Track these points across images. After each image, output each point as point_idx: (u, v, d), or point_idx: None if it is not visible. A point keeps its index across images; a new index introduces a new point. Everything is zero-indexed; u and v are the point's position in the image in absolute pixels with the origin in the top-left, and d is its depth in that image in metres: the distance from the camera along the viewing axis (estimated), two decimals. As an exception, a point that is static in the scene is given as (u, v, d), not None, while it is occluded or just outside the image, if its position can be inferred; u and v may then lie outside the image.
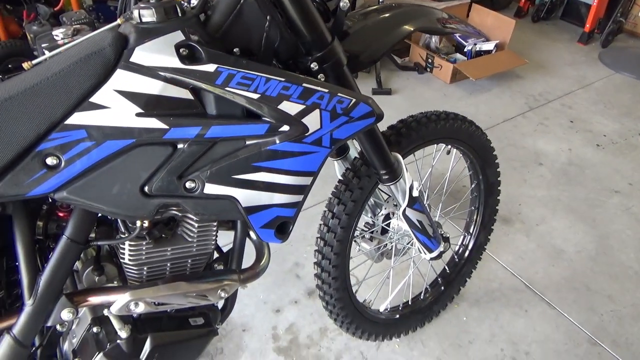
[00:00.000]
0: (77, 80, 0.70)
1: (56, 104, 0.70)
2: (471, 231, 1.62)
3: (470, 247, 1.63)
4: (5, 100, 0.69)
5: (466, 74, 3.07)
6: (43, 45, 2.56)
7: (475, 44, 3.33)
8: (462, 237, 1.65)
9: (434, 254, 1.35)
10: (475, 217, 1.60)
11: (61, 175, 0.71)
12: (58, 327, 0.85)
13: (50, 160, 0.70)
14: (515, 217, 2.12)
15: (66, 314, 0.80)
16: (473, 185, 1.56)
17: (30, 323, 0.78)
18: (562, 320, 1.68)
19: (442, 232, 1.41)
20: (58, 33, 2.57)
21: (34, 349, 0.85)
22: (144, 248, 0.86)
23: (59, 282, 0.79)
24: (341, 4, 0.92)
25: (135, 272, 0.87)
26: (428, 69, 3.29)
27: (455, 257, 1.65)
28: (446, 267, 1.64)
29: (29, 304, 0.77)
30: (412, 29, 1.15)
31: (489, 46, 3.33)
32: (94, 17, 3.12)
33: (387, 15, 1.14)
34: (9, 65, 2.48)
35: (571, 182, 2.36)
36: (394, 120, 1.26)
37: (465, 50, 3.33)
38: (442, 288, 1.62)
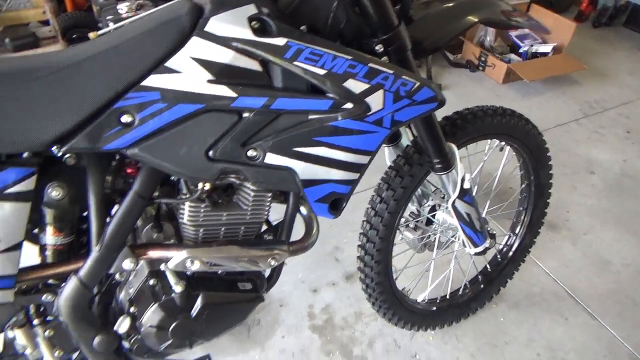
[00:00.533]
0: (155, 45, 0.73)
1: (135, 65, 0.73)
2: (517, 232, 1.59)
3: (514, 247, 1.60)
4: (89, 58, 0.73)
5: (520, 74, 2.99)
6: (108, 17, 2.66)
7: (531, 45, 3.24)
8: (507, 237, 1.62)
9: (479, 249, 1.34)
10: (522, 217, 1.57)
11: (134, 133, 0.75)
12: (117, 276, 0.89)
13: (125, 118, 0.74)
14: (562, 224, 2.07)
15: (127, 264, 0.85)
16: (523, 186, 1.53)
17: (95, 268, 0.83)
18: (603, 332, 1.63)
19: (489, 229, 1.40)
20: (122, 7, 2.66)
21: (93, 295, 0.90)
22: (202, 210, 0.89)
23: (124, 234, 0.84)
24: (410, -12, 0.93)
25: (192, 232, 0.91)
26: (480, 68, 3.23)
27: (498, 256, 1.62)
28: (488, 266, 1.62)
29: (95, 251, 0.82)
30: (476, 20, 1.14)
31: (546, 48, 3.23)
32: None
33: (451, 4, 1.13)
34: (74, 36, 2.60)
35: (624, 194, 2.27)
36: (443, 116, 1.25)
37: (521, 51, 3.24)
38: (482, 286, 1.61)
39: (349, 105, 0.82)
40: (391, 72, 0.84)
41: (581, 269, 1.86)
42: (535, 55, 3.22)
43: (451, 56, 3.31)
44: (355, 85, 0.82)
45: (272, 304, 1.63)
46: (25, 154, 0.73)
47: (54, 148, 0.73)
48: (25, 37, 2.02)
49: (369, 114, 0.84)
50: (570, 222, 2.08)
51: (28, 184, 0.73)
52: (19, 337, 0.88)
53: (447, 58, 3.27)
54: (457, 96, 2.94)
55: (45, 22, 2.26)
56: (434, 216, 1.43)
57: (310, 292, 1.69)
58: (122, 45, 0.74)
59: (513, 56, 3.28)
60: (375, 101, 0.84)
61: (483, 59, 3.19)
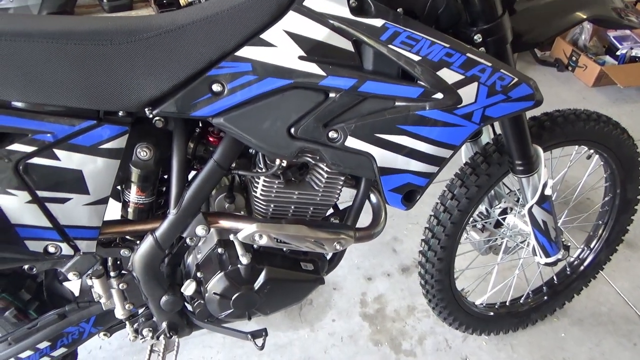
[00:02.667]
0: (252, 16, 0.73)
1: (231, 35, 0.73)
2: (592, 246, 1.50)
3: (587, 262, 1.51)
4: (188, 24, 0.74)
5: (614, 79, 2.78)
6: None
7: (631, 48, 2.99)
8: (580, 250, 1.53)
9: (550, 260, 1.27)
10: (600, 232, 1.47)
11: (223, 102, 0.76)
12: (188, 240, 0.92)
13: (216, 87, 0.75)
14: (641, 244, 1.92)
15: (200, 230, 0.87)
16: (607, 199, 1.43)
17: (170, 230, 0.86)
18: (675, 365, 1.52)
19: (563, 240, 1.32)
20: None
21: (165, 255, 0.94)
22: (275, 186, 0.90)
23: (200, 200, 0.86)
24: (518, -23, 0.87)
25: (263, 206, 0.92)
26: (570, 68, 3.03)
27: (568, 269, 1.54)
28: (555, 277, 1.54)
29: (172, 213, 0.85)
30: (585, 17, 1.05)
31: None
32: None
33: (559, -3, 1.05)
34: (164, 1, 2.68)
35: None
36: None
37: (619, 53, 3.00)
38: (546, 297, 1.53)
39: (439, 96, 0.79)
40: (490, 64, 0.79)
41: (657, 295, 1.73)
42: (634, 59, 2.97)
43: (539, 52, 3.13)
44: (450, 75, 0.78)
45: (325, 286, 1.63)
46: (121, 113, 0.76)
47: (146, 109, 0.75)
48: None
49: (459, 106, 0.80)
50: (650, 243, 1.93)
51: (120, 142, 0.76)
52: (96, 286, 0.93)
53: (534, 54, 3.09)
54: (539, 95, 2.78)
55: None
56: (504, 219, 1.37)
57: (364, 279, 1.68)
58: (222, 13, 0.74)
59: (608, 58, 3.04)
60: (468, 94, 0.80)
61: (574, 58, 2.99)
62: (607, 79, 2.85)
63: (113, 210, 0.88)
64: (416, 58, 0.76)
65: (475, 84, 0.79)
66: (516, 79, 0.81)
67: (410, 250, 1.79)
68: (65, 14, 1.98)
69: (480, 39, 0.87)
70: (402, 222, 1.88)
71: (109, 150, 0.75)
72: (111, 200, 0.82)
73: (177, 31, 0.73)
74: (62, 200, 0.77)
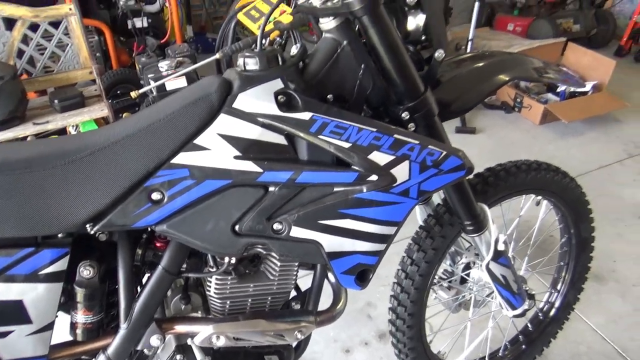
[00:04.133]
0: (185, 123, 0.75)
1: (166, 144, 0.75)
2: (559, 288, 1.51)
3: (557, 305, 1.52)
4: (123, 138, 0.76)
5: (558, 115, 2.92)
6: (149, 75, 2.78)
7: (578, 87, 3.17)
8: (548, 293, 1.55)
9: (517, 312, 1.28)
10: (564, 273, 1.50)
11: (163, 209, 0.77)
12: (145, 350, 0.90)
13: (155, 195, 0.76)
14: (608, 275, 1.95)
15: (155, 340, 0.85)
16: (563, 240, 1.46)
17: (123, 345, 0.84)
18: (661, 398, 1.51)
19: (527, 289, 1.33)
20: (163, 65, 2.77)
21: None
22: (228, 283, 0.89)
23: (152, 309, 0.84)
24: (436, 54, 0.92)
25: (219, 304, 0.91)
26: (516, 109, 3.18)
27: (540, 314, 1.54)
28: (529, 325, 1.54)
29: (123, 327, 0.83)
30: (507, 79, 1.12)
31: (585, 87, 3.15)
32: (193, 48, 3.36)
33: (481, 64, 1.11)
34: (118, 92, 2.74)
35: (676, 241, 2.14)
36: (477, 161, 1.20)
37: (559, 90, 3.17)
38: (524, 346, 1.52)
39: (374, 177, 0.82)
40: (417, 142, 0.83)
41: (632, 326, 1.74)
42: (574, 94, 3.15)
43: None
44: (381, 157, 0.81)
45: (303, 365, 1.59)
46: (60, 235, 0.75)
47: (87, 226, 0.75)
48: (73, 98, 2.14)
49: (395, 185, 0.83)
50: (617, 273, 1.97)
51: (61, 264, 0.75)
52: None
53: (481, 100, 3.24)
54: (491, 139, 2.89)
55: (93, 81, 2.40)
56: (468, 274, 1.38)
57: (342, 352, 1.64)
58: (154, 125, 0.76)
59: (550, 95, 3.21)
60: (402, 172, 0.83)
61: (519, 100, 3.14)
62: (552, 116, 3.00)
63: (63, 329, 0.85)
64: (347, 145, 0.79)
65: (407, 162, 0.83)
66: (445, 152, 0.85)
67: (385, 314, 1.75)
68: (16, 119, 2.00)
69: (408, 116, 0.91)
70: (373, 285, 1.86)
71: (49, 274, 0.74)
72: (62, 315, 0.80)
73: (111, 148, 0.75)
74: (3, 335, 0.75)
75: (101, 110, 2.17)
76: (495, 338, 1.53)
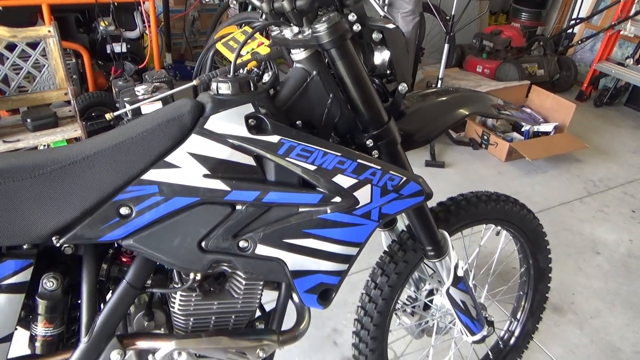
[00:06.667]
0: (157, 141, 0.78)
1: (136, 160, 0.78)
2: (518, 317, 1.56)
3: (516, 334, 1.56)
4: (95, 153, 0.78)
5: (522, 153, 3.05)
6: (125, 99, 2.80)
7: (533, 125, 3.32)
8: (508, 322, 1.59)
9: (477, 338, 1.31)
10: (523, 302, 1.55)
11: (131, 224, 0.79)
12: (106, 366, 0.89)
13: (124, 210, 0.78)
14: (567, 307, 2.02)
15: (115, 355, 0.85)
16: (522, 269, 1.52)
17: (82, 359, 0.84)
18: None
19: (487, 315, 1.37)
20: (139, 89, 2.81)
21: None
22: (193, 299, 0.91)
23: (114, 324, 0.85)
24: (400, 87, 0.99)
25: (183, 321, 0.92)
26: (483, 146, 3.30)
27: (500, 343, 1.58)
28: (489, 353, 1.58)
29: (84, 342, 0.83)
30: (467, 113, 1.19)
31: (547, 128, 3.31)
32: (172, 75, 3.40)
33: (444, 98, 1.19)
34: (93, 114, 2.74)
35: (631, 276, 2.23)
36: (445, 194, 1.27)
37: (523, 130, 3.32)
38: (484, 375, 1.55)
39: (337, 199, 0.85)
40: (379, 167, 0.88)
41: (589, 357, 1.79)
42: (537, 134, 3.30)
43: (454, 134, 3.40)
44: (345, 180, 0.85)
45: (266, 390, 1.58)
46: (25, 245, 0.76)
47: (53, 239, 0.76)
48: (47, 117, 2.13)
49: (357, 207, 0.87)
50: (575, 305, 2.03)
51: (24, 275, 0.75)
52: None
53: (451, 136, 3.36)
54: (459, 173, 2.99)
55: (68, 102, 2.40)
56: (431, 301, 1.41)
57: (307, 377, 1.64)
58: (126, 142, 0.78)
59: (515, 134, 3.36)
60: (364, 195, 0.87)
61: (486, 137, 3.27)
62: (517, 154, 3.12)
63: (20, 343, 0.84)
64: (312, 167, 0.83)
65: (369, 186, 0.87)
66: (405, 178, 0.90)
67: (351, 341, 1.77)
68: (-14, 137, 1.98)
69: (372, 143, 0.96)
70: (341, 311, 1.89)
71: (11, 285, 0.74)
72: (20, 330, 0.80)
73: (81, 162, 0.76)
74: (-41, 344, 0.74)
75: (74, 130, 2.17)
76: (457, 366, 1.56)
